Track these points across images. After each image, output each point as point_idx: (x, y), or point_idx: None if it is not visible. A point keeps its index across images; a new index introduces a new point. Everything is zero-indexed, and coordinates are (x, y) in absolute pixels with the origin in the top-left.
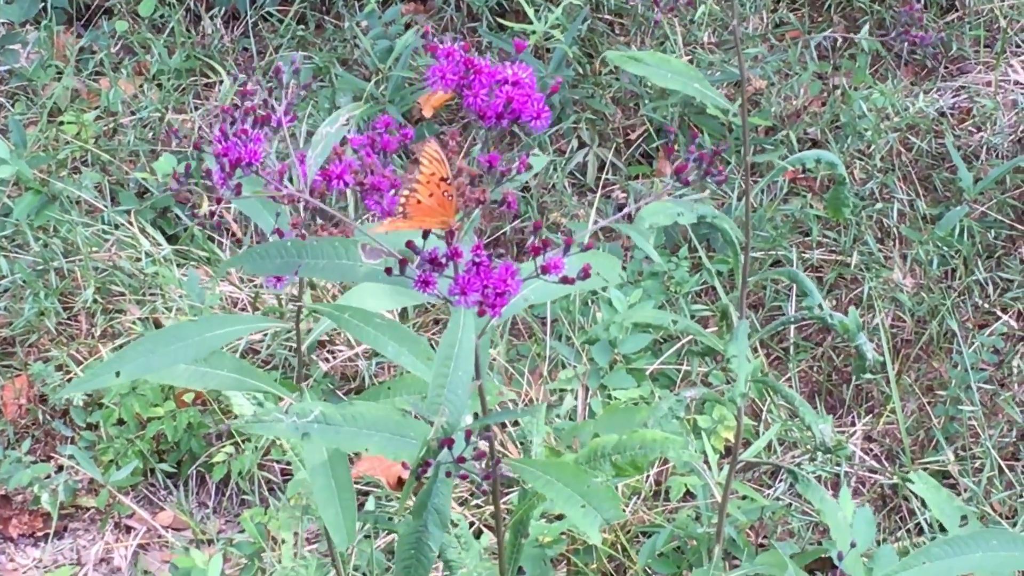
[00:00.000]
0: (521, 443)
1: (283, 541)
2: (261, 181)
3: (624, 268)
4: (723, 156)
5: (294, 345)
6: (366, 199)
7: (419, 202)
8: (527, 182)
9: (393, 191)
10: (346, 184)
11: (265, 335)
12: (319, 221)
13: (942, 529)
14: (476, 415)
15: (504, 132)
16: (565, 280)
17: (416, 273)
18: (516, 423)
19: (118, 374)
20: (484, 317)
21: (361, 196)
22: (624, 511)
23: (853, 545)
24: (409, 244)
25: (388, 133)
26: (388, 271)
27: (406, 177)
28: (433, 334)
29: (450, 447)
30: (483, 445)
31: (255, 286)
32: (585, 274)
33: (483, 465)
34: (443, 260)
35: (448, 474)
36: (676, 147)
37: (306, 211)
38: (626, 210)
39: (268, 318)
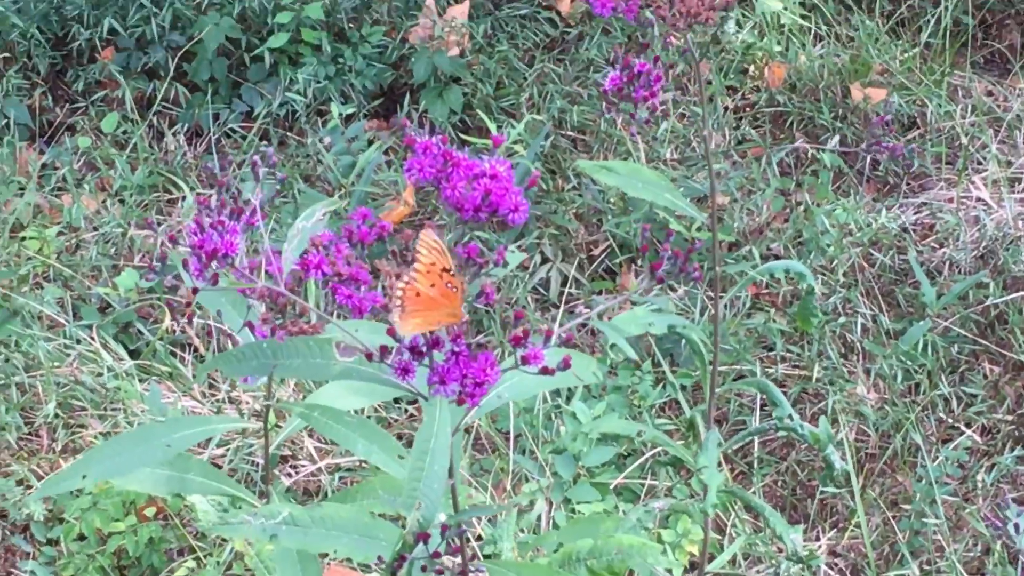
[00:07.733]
0: (487, 557)
1: None
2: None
3: (587, 385)
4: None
5: (256, 460)
6: (337, 294)
7: (418, 294)
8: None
9: (369, 286)
10: (324, 274)
11: (227, 449)
12: (288, 317)
13: None
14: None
15: (474, 232)
16: (545, 371)
17: (396, 362)
18: (479, 537)
19: (84, 476)
20: (459, 412)
21: (333, 291)
22: None
23: None
24: (390, 332)
25: (365, 225)
26: (369, 356)
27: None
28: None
29: (425, 542)
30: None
31: (216, 401)
32: (566, 365)
33: (456, 562)
34: (423, 349)
35: (424, 568)
36: (648, 249)
37: (274, 307)
38: (592, 311)
39: (235, 418)
